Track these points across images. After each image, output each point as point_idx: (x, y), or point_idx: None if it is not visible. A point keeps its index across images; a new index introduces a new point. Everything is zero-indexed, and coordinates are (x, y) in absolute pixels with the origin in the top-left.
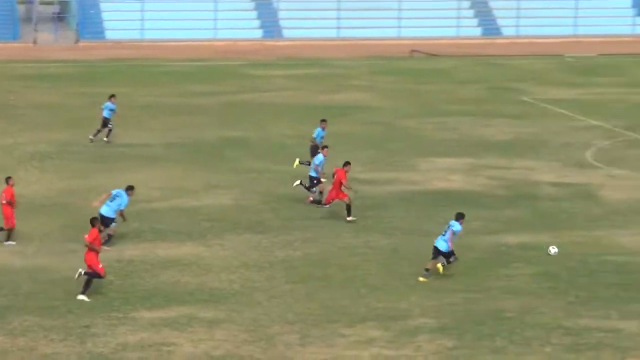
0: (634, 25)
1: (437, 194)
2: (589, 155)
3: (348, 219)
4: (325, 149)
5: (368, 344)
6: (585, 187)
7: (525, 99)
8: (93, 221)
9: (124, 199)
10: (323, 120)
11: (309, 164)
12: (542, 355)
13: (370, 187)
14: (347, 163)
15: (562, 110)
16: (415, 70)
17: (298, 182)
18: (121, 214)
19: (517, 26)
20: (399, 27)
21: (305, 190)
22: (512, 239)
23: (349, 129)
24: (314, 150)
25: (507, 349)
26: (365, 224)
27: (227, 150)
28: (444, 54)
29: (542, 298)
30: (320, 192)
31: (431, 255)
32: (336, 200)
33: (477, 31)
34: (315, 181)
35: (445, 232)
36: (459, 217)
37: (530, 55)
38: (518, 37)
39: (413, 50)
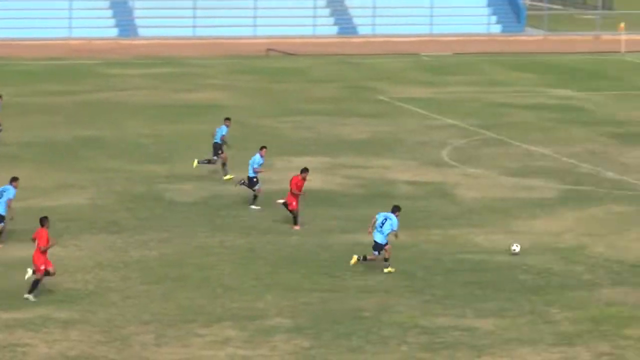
0: (488, 24)
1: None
2: (444, 154)
3: (295, 227)
4: (264, 150)
5: (224, 343)
6: (441, 186)
7: (381, 97)
8: (42, 221)
9: (10, 191)
10: (227, 119)
11: (209, 162)
12: (399, 354)
13: (227, 187)
14: (305, 170)
15: (418, 109)
16: (271, 69)
17: (241, 182)
18: (9, 205)
19: (373, 25)
20: (255, 26)
21: (250, 189)
22: (368, 237)
23: (206, 128)
24: (217, 149)
25: (364, 348)
26: (221, 223)
27: (83, 150)
28: (300, 53)
29: (398, 297)
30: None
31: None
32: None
33: (333, 30)
34: (255, 180)
35: (383, 224)
36: (394, 209)
37: (386, 54)
38: (374, 36)
39: (269, 49)
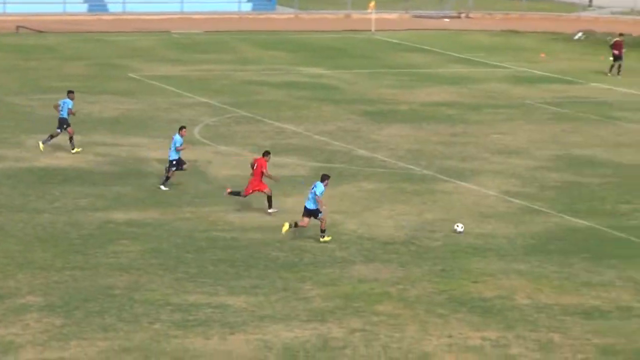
0: (239, 2)
1: (45, 170)
2: (196, 132)
3: (269, 210)
4: (184, 130)
5: None
6: (193, 164)
7: (132, 75)
8: None
9: None
10: (70, 92)
11: (51, 137)
12: (151, 332)
13: None
14: (267, 152)
15: (170, 87)
16: (21, 47)
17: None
18: None
19: (123, 3)
20: (5, 3)
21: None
22: (120, 215)
23: None
24: (62, 123)
25: (117, 326)
26: None
27: None
28: (50, 30)
29: (151, 274)
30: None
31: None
32: (256, 192)
33: (84, 7)
34: (174, 163)
35: (311, 192)
36: (323, 178)
37: (137, 32)
38: (124, 13)
39: (19, 27)
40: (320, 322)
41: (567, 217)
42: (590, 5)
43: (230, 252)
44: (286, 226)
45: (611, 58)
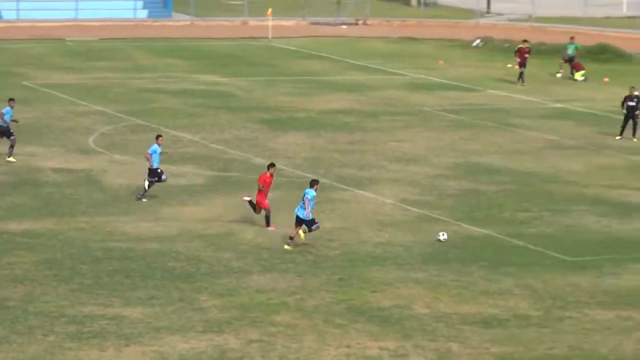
0: (135, 9)
1: None
2: (91, 140)
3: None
4: (160, 138)
5: None
6: (88, 173)
7: (26, 83)
8: None
9: None
10: (11, 99)
11: (12, 147)
12: (45, 344)
13: None
14: (272, 165)
15: (64, 95)
16: None
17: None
18: None
19: (17, 10)
20: None
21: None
22: (14, 226)
23: None
24: (4, 131)
25: (10, 339)
26: None
27: None
28: None
29: (45, 286)
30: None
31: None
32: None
33: None
34: (160, 171)
35: (303, 200)
36: (313, 183)
37: (31, 39)
38: (18, 21)
39: None
40: (216, 333)
41: (465, 225)
42: (488, 12)
43: (126, 262)
44: (302, 235)
45: (511, 65)
